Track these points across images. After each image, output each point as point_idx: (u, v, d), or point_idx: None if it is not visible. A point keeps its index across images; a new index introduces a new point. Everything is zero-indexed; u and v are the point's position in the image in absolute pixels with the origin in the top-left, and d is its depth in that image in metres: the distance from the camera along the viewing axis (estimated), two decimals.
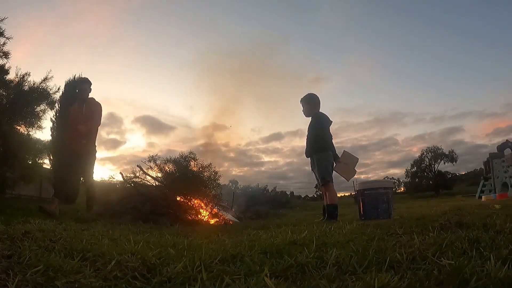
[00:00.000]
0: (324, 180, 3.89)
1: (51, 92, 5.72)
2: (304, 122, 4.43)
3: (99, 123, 4.61)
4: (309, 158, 4.18)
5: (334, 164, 4.09)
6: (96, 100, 4.65)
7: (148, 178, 4.95)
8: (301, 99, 4.26)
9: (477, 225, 1.90)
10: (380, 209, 3.59)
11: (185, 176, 4.62)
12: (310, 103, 4.20)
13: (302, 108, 4.26)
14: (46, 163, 7.48)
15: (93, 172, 4.56)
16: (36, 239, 1.61)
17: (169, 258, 1.33)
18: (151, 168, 4.93)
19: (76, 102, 4.69)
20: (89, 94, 4.62)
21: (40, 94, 5.53)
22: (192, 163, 4.82)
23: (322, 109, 4.21)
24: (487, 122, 60.08)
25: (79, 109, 4.55)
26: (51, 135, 9.11)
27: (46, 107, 5.74)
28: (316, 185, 4.26)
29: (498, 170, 12.54)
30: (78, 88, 4.68)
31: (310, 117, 4.20)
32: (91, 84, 4.67)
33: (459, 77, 62.63)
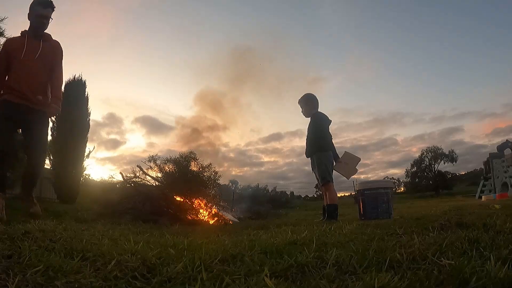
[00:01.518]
0: (325, 180, 3.89)
1: None
2: (303, 122, 4.50)
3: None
4: (309, 158, 4.19)
5: (334, 163, 4.10)
6: (56, 40, 3.18)
7: (148, 178, 4.96)
8: (299, 100, 4.27)
9: (477, 225, 1.90)
10: (380, 209, 3.59)
11: (185, 176, 4.62)
12: (308, 104, 4.21)
13: (301, 109, 4.27)
14: (46, 163, 7.49)
15: (45, 147, 3.26)
16: (36, 239, 1.61)
17: (169, 258, 1.33)
18: (151, 168, 4.93)
19: (27, 33, 3.07)
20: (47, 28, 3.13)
21: None
22: (192, 163, 4.83)
23: (321, 109, 4.23)
24: (486, 122, 60.15)
25: (31, 46, 3.02)
26: (51, 135, 9.14)
27: None
28: (317, 185, 4.27)
29: (498, 170, 12.56)
30: (36, 13, 3.03)
31: (310, 118, 4.20)
32: (53, 11, 3.11)
33: (458, 77, 62.74)
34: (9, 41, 3.18)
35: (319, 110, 4.19)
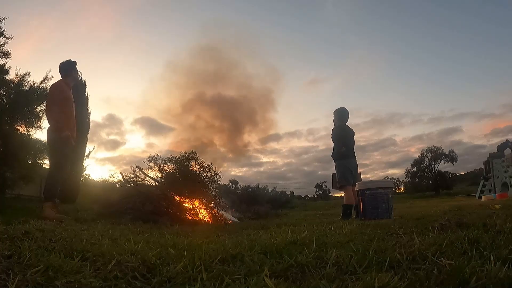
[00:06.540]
0: (340, 184, 4.51)
1: None
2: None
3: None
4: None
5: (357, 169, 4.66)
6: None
7: (148, 178, 4.95)
8: (335, 110, 4.81)
9: (477, 225, 1.90)
10: (380, 209, 3.59)
11: (185, 176, 4.61)
12: (338, 115, 4.76)
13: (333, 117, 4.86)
14: (46, 163, 7.48)
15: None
16: (36, 239, 1.61)
17: (169, 258, 1.33)
18: (151, 168, 4.92)
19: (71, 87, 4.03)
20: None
21: (40, 94, 5.50)
22: (193, 163, 4.82)
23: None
24: (485, 122, 59.75)
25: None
26: None
27: None
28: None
29: (498, 170, 12.53)
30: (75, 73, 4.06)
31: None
32: None
33: (457, 78, 62.37)
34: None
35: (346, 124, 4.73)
